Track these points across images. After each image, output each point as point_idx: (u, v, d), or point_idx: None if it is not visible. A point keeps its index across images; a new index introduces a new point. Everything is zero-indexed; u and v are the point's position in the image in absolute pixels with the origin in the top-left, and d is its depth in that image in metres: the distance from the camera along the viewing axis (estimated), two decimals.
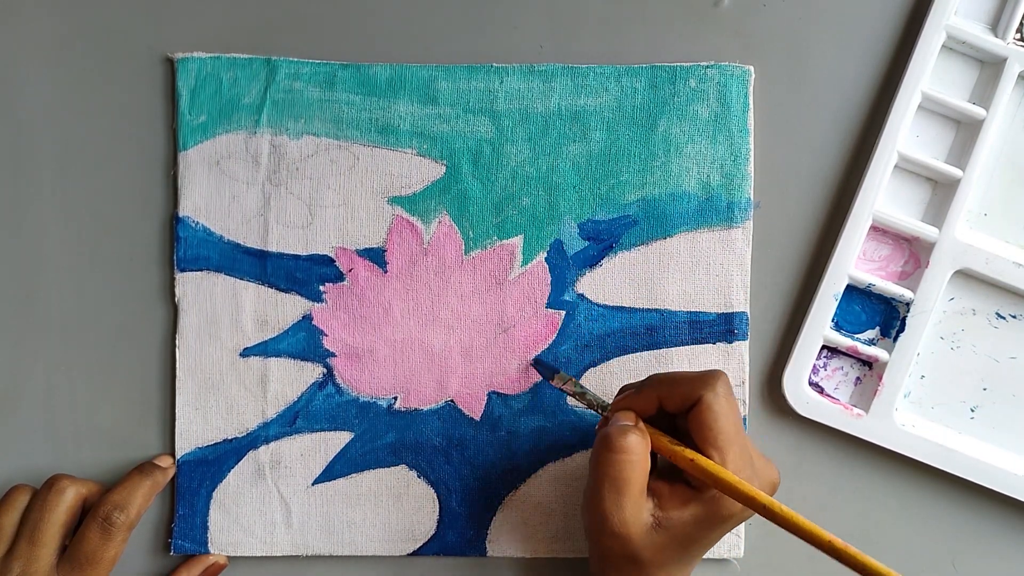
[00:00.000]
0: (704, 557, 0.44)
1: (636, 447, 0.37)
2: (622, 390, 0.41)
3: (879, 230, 0.45)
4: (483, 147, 0.45)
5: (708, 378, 0.38)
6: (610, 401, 0.41)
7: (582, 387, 0.42)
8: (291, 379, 0.45)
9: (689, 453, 0.37)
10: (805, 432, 0.45)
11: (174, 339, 0.45)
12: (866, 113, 0.45)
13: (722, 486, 0.36)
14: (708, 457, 0.37)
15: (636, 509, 0.37)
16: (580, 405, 0.44)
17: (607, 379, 0.45)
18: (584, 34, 0.45)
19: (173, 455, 0.45)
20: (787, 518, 0.35)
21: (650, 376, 0.39)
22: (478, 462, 0.45)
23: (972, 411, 0.45)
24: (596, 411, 0.42)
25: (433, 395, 0.45)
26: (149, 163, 0.45)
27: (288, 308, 0.45)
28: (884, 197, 0.44)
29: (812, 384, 0.45)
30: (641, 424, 0.38)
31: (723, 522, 0.38)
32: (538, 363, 0.44)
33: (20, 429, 0.45)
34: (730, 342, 0.45)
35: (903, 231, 0.44)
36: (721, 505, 0.37)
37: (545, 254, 0.45)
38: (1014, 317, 0.45)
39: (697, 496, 0.37)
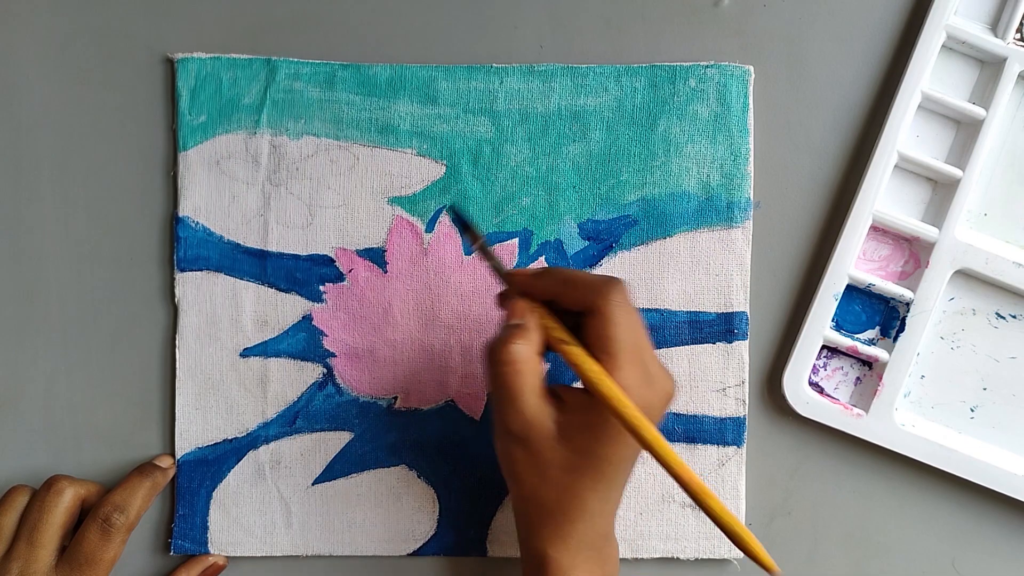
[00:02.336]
0: (704, 557, 0.44)
1: (520, 355, 0.35)
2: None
3: (879, 230, 0.45)
4: (483, 147, 0.45)
5: (603, 287, 0.36)
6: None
7: (490, 252, 0.39)
8: (291, 379, 0.45)
9: (574, 354, 0.35)
10: (805, 432, 0.45)
11: (174, 339, 0.45)
12: (866, 113, 0.45)
13: (595, 390, 0.35)
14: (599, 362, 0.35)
15: (536, 414, 0.36)
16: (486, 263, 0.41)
17: None
18: (584, 34, 0.45)
19: (173, 455, 0.45)
20: (637, 429, 0.34)
21: (548, 268, 0.37)
22: (478, 462, 0.45)
23: (972, 411, 0.45)
24: (497, 279, 0.39)
25: (433, 395, 0.45)
26: (149, 163, 0.45)
27: (288, 308, 0.45)
28: (884, 197, 0.44)
29: (812, 384, 0.45)
30: (532, 321, 0.37)
31: (621, 434, 0.35)
32: (454, 211, 0.40)
33: (20, 429, 0.45)
34: (730, 342, 0.45)
35: (903, 231, 0.44)
36: (611, 407, 0.35)
37: (546, 254, 0.45)
38: (1014, 317, 0.45)
39: (593, 401, 0.35)
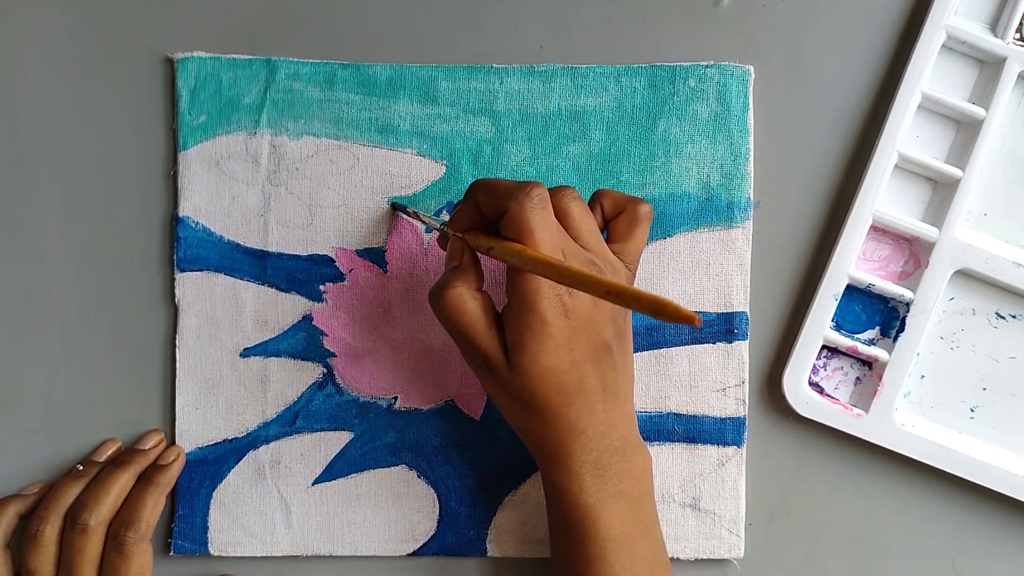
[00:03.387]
0: (704, 557, 0.44)
1: (460, 297, 0.37)
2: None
3: (879, 230, 0.45)
4: (483, 147, 0.45)
5: (518, 190, 0.36)
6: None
7: (420, 214, 0.42)
8: (291, 379, 0.45)
9: (496, 246, 0.36)
10: (805, 432, 0.45)
11: (174, 339, 0.45)
12: (866, 113, 0.45)
13: (505, 257, 0.35)
14: (517, 270, 0.36)
15: (488, 345, 0.37)
16: (432, 226, 0.42)
17: None
18: (584, 34, 0.45)
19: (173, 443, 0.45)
20: (574, 276, 0.33)
21: (473, 182, 0.38)
22: (478, 462, 0.45)
23: (972, 411, 0.45)
24: (437, 230, 0.41)
25: (433, 395, 0.45)
26: (149, 163, 0.45)
27: (288, 308, 0.45)
28: (884, 197, 0.44)
29: (812, 384, 0.45)
30: (466, 258, 0.38)
31: (548, 333, 0.36)
32: (394, 206, 0.44)
33: (20, 429, 0.45)
34: (730, 342, 0.45)
35: (903, 231, 0.44)
36: (532, 310, 0.35)
37: None
38: (1014, 317, 0.45)
39: (514, 312, 0.36)
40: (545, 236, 0.35)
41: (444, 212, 0.45)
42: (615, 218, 0.41)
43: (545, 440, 0.38)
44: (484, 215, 0.38)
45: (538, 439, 0.38)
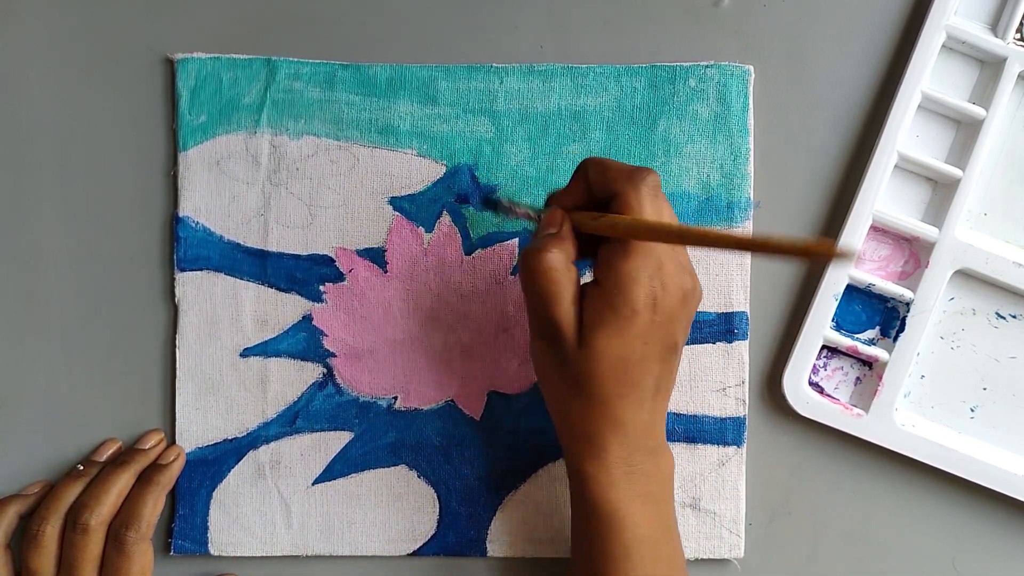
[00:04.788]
0: (704, 557, 0.44)
1: (553, 262, 0.36)
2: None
3: (879, 230, 0.45)
4: (483, 147, 0.45)
5: (633, 173, 0.36)
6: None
7: (517, 202, 0.41)
8: (291, 379, 0.45)
9: (602, 219, 0.36)
10: (805, 432, 0.45)
11: (174, 339, 0.45)
12: (866, 113, 0.45)
13: (614, 227, 0.35)
14: (615, 250, 0.36)
15: (565, 318, 0.36)
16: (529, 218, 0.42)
17: None
18: (584, 34, 0.45)
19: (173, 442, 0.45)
20: (700, 235, 0.33)
21: (584, 160, 0.38)
22: (478, 462, 0.45)
23: (972, 411, 0.45)
24: (533, 219, 0.41)
25: (433, 395, 0.45)
26: (149, 163, 0.45)
27: (288, 308, 0.45)
28: (884, 197, 0.44)
29: (812, 384, 0.45)
30: (565, 228, 0.37)
31: (634, 320, 0.35)
32: (489, 202, 0.43)
33: (20, 429, 0.45)
34: (730, 342, 0.45)
35: (903, 231, 0.44)
36: (623, 294, 0.35)
37: None
38: (1014, 317, 0.45)
39: (602, 293, 0.36)
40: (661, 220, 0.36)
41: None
42: (615, 205, 0.37)
43: (585, 427, 0.37)
44: (592, 195, 0.37)
45: (578, 425, 0.37)
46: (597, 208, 0.37)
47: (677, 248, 0.37)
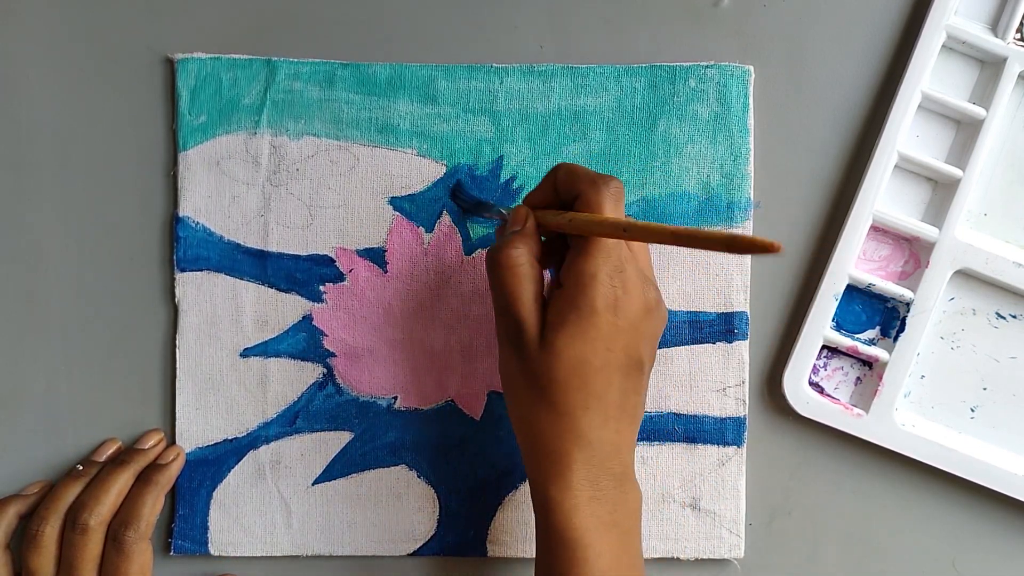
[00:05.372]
0: (704, 557, 0.44)
1: (516, 259, 0.37)
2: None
3: (879, 230, 0.45)
4: (483, 147, 0.45)
5: (598, 178, 0.36)
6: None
7: (484, 200, 0.43)
8: (291, 379, 0.45)
9: (562, 216, 0.36)
10: (805, 432, 0.45)
11: (174, 339, 0.45)
12: (866, 113, 0.45)
13: (572, 226, 0.36)
14: (576, 249, 0.36)
15: (527, 316, 0.36)
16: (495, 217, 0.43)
17: None
18: (584, 34, 0.45)
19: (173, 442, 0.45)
20: (641, 228, 0.34)
21: (556, 165, 0.39)
22: (478, 462, 0.45)
23: (972, 411, 0.45)
24: (501, 217, 0.42)
25: (433, 395, 0.45)
26: (149, 163, 0.45)
27: (288, 308, 0.45)
28: (884, 197, 0.44)
29: (812, 384, 0.45)
30: (529, 224, 0.38)
31: (594, 321, 0.35)
32: (457, 198, 0.44)
33: (20, 429, 0.45)
34: (730, 342, 0.45)
35: (903, 231, 0.44)
36: (584, 293, 0.35)
37: None
38: (1014, 317, 0.45)
39: (563, 293, 0.36)
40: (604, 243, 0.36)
41: (444, 212, 0.45)
42: (578, 207, 0.37)
43: (549, 442, 0.36)
44: (559, 196, 0.38)
45: (541, 439, 0.36)
46: (562, 208, 0.38)
47: (639, 256, 0.38)
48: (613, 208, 0.36)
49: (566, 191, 0.37)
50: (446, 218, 0.45)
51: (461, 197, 0.44)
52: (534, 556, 0.45)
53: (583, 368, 0.35)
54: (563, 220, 0.37)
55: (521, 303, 0.36)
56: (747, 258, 0.45)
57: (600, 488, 0.36)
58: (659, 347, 0.45)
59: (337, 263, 0.45)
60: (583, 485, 0.36)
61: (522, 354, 0.36)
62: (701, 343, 0.45)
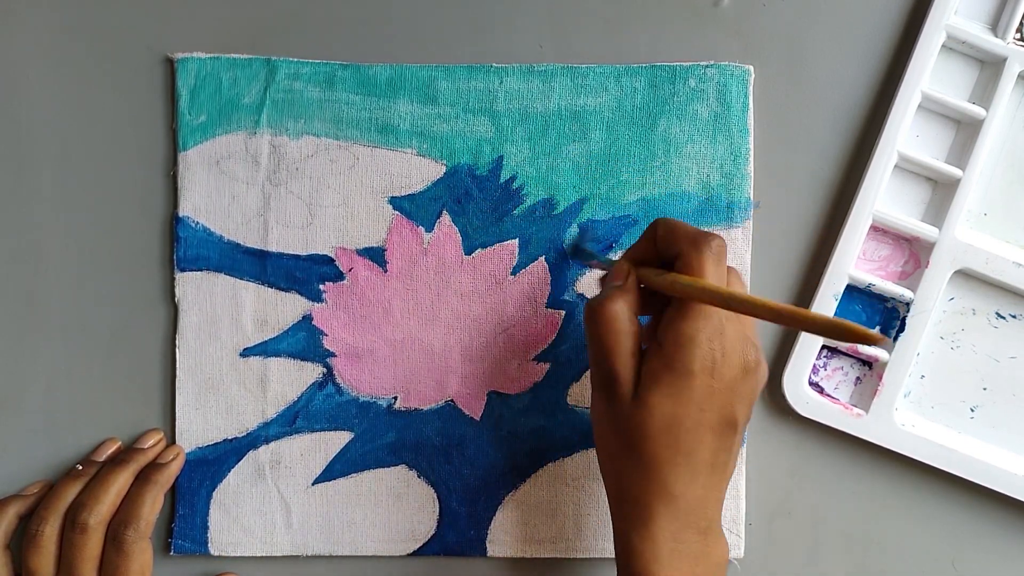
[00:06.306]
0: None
1: (616, 313, 0.36)
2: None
3: (879, 230, 0.45)
4: (483, 147, 0.45)
5: (699, 237, 0.36)
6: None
7: (593, 252, 0.44)
8: (291, 379, 0.45)
9: (665, 276, 0.36)
10: (805, 432, 0.45)
11: (174, 339, 0.45)
12: (866, 113, 0.45)
13: (676, 288, 0.35)
14: (677, 310, 0.36)
15: (623, 371, 0.36)
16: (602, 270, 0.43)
17: None
18: (584, 34, 0.45)
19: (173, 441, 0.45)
20: (742, 301, 0.33)
21: (656, 220, 0.38)
22: (478, 462, 0.45)
23: (972, 411, 0.45)
24: (603, 268, 0.42)
25: (433, 395, 0.45)
26: (149, 163, 0.45)
27: (288, 308, 0.45)
28: (884, 197, 0.44)
29: (812, 384, 0.45)
30: (630, 281, 0.37)
31: (690, 383, 0.35)
32: (576, 251, 0.44)
33: (20, 429, 0.45)
34: None
35: (903, 231, 0.44)
36: (681, 354, 0.35)
37: (545, 254, 0.45)
38: (1014, 317, 0.45)
39: (660, 352, 0.36)
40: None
41: (444, 212, 0.45)
42: (679, 267, 0.37)
43: (634, 493, 0.36)
44: (659, 253, 0.38)
45: (628, 489, 0.37)
46: (663, 267, 0.37)
47: (743, 318, 0.37)
48: (715, 270, 0.36)
49: (665, 248, 0.37)
50: (446, 218, 0.45)
51: (581, 247, 0.44)
52: (534, 556, 0.45)
53: (674, 427, 0.35)
54: (665, 282, 0.36)
55: (616, 357, 0.36)
56: (746, 256, 0.45)
57: (682, 541, 0.36)
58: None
59: (337, 263, 0.45)
60: (665, 537, 0.36)
61: (614, 406, 0.36)
62: None
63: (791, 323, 0.32)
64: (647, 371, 0.36)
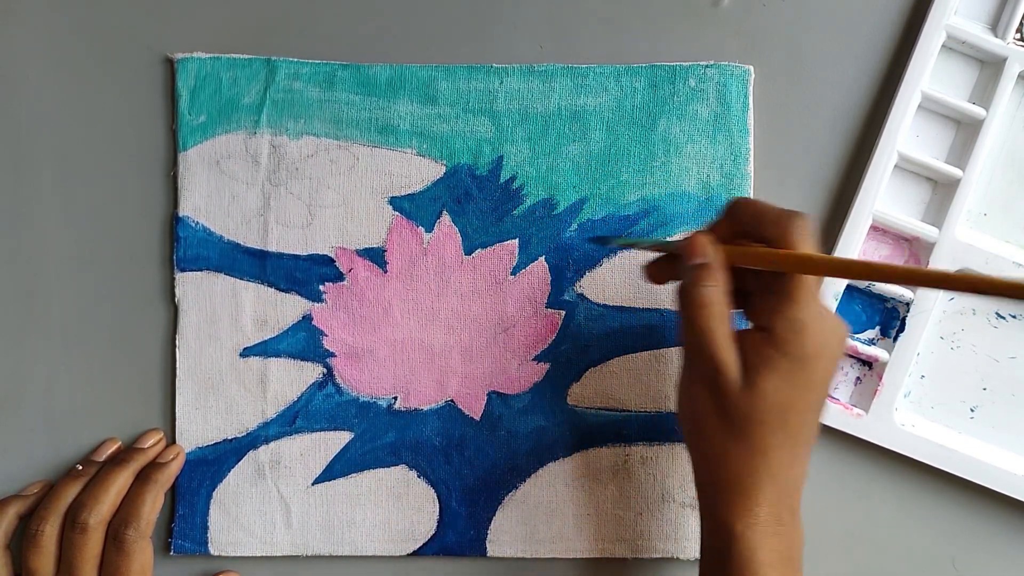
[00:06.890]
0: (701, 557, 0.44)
1: (712, 297, 0.36)
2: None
3: (879, 230, 0.45)
4: (483, 147, 0.45)
5: (788, 220, 0.35)
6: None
7: (634, 239, 0.43)
8: (291, 379, 0.45)
9: (763, 251, 0.35)
10: None
11: (174, 339, 0.45)
12: (866, 113, 0.45)
13: (785, 263, 0.35)
14: (783, 297, 0.35)
15: (725, 357, 0.35)
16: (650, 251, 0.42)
17: (607, 379, 0.45)
18: (584, 34, 0.45)
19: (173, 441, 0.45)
20: (863, 266, 0.33)
21: (735, 201, 0.37)
22: (478, 462, 0.45)
23: (972, 411, 0.45)
24: (662, 251, 0.40)
25: (433, 395, 0.45)
26: (149, 163, 0.45)
27: (288, 308, 0.45)
28: (884, 197, 0.44)
29: None
30: (716, 259, 0.36)
31: (804, 367, 0.35)
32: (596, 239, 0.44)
33: (20, 429, 0.45)
34: None
35: (903, 231, 0.44)
36: (797, 340, 0.35)
37: (545, 254, 0.45)
38: (1014, 317, 0.45)
39: (772, 339, 0.35)
40: (810, 288, 0.35)
41: (444, 212, 0.45)
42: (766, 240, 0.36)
43: (738, 477, 0.36)
44: (735, 232, 0.37)
45: (729, 473, 0.36)
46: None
47: (818, 295, 0.37)
48: (810, 247, 0.35)
49: (754, 227, 0.36)
50: (446, 218, 0.45)
51: (613, 236, 0.44)
52: (534, 556, 0.45)
53: (787, 411, 0.35)
54: (766, 255, 0.35)
55: (717, 344, 0.36)
56: None
57: (782, 523, 0.37)
58: (659, 347, 0.45)
59: (337, 263, 0.45)
60: (768, 520, 0.36)
61: (719, 394, 0.36)
62: None
63: (955, 286, 0.30)
64: (758, 357, 0.35)
